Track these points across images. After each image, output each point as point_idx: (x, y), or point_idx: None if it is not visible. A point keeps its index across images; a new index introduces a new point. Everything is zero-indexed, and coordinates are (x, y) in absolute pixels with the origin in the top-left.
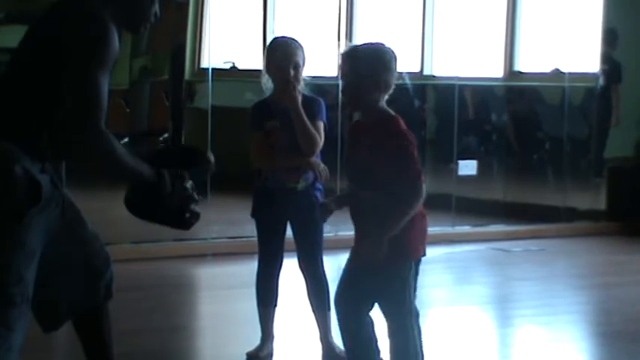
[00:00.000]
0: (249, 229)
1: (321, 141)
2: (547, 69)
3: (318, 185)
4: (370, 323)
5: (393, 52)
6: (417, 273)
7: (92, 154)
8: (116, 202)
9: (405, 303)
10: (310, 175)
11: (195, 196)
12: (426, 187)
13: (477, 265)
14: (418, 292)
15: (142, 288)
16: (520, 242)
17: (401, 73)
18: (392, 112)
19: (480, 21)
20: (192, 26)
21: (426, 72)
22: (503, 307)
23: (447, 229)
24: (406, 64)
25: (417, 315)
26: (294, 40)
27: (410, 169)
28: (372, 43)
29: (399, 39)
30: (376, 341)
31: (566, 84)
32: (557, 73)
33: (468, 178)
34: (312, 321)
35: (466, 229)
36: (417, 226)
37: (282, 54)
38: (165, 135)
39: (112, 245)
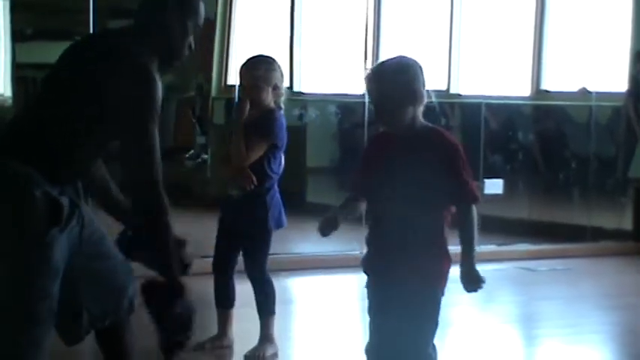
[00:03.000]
0: (275, 247)
1: (246, 156)
2: (574, 88)
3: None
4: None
5: (419, 63)
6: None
7: (151, 210)
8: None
9: (433, 327)
10: (247, 185)
11: (186, 336)
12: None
13: (502, 284)
14: (442, 311)
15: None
16: (546, 261)
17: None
18: (430, 124)
19: (506, 39)
20: (219, 43)
21: (452, 90)
22: (529, 326)
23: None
24: (433, 82)
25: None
26: (262, 58)
27: (473, 185)
28: (395, 57)
29: (425, 57)
30: None
31: (594, 103)
32: (584, 92)
33: (493, 197)
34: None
35: (491, 248)
36: (446, 258)
37: (243, 72)
38: (192, 151)
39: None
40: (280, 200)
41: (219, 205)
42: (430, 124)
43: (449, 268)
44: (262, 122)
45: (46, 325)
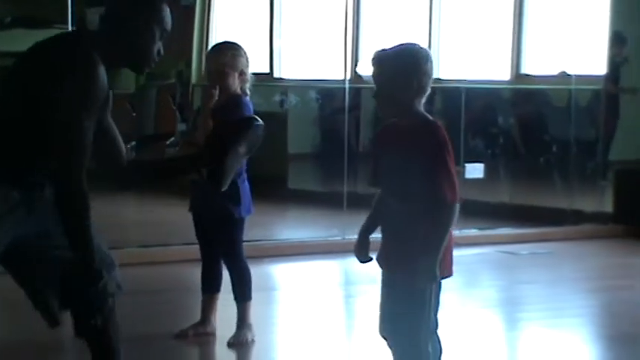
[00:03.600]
0: (257, 233)
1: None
2: (554, 71)
3: (240, 182)
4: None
5: (426, 52)
6: (439, 290)
7: (71, 206)
8: (123, 207)
9: (422, 321)
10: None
11: (100, 319)
12: None
13: (484, 268)
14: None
15: (150, 292)
16: (527, 245)
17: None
18: (430, 117)
19: (486, 24)
20: (198, 29)
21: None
22: (511, 310)
23: (454, 233)
24: None
25: (435, 332)
26: (228, 44)
27: (447, 187)
28: (403, 44)
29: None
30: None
31: (573, 86)
32: (563, 76)
33: (474, 181)
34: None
35: (473, 232)
36: (449, 248)
37: (209, 58)
38: (172, 139)
39: (119, 249)
40: (248, 185)
41: (189, 192)
42: (430, 117)
43: (441, 261)
44: (230, 107)
45: None
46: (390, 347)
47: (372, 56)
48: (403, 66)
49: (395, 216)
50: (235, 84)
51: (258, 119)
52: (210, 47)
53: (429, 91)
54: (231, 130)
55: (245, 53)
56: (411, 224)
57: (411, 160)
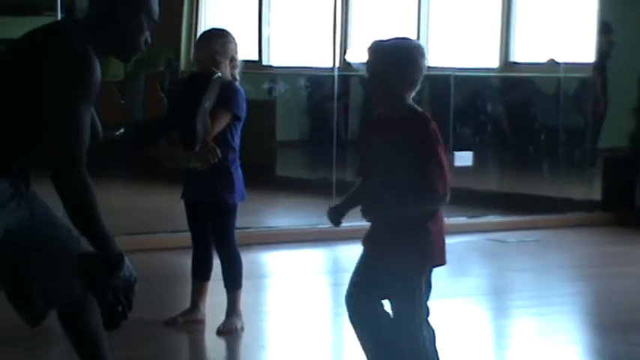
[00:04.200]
0: (245, 220)
1: (212, 126)
2: (542, 59)
3: (233, 169)
4: (384, 315)
5: (421, 48)
6: (430, 278)
7: (73, 193)
8: (110, 195)
9: (415, 306)
10: (209, 157)
11: (128, 307)
12: None
13: (473, 256)
14: None
15: (139, 280)
16: (515, 233)
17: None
18: (419, 109)
19: (475, 11)
20: (187, 17)
21: None
22: (499, 298)
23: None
24: None
25: (428, 313)
26: (217, 32)
27: (439, 180)
28: (399, 38)
29: (393, 30)
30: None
31: (562, 74)
32: (552, 64)
33: (463, 169)
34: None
35: (462, 220)
36: (439, 236)
37: (199, 46)
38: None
39: None
40: (241, 172)
41: (182, 178)
42: (419, 110)
43: (432, 249)
44: (222, 94)
45: None
46: (361, 336)
47: (369, 45)
48: (400, 59)
49: (387, 206)
50: (226, 71)
51: (216, 71)
52: (199, 35)
53: (419, 85)
54: (194, 88)
55: (234, 39)
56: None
57: (402, 152)
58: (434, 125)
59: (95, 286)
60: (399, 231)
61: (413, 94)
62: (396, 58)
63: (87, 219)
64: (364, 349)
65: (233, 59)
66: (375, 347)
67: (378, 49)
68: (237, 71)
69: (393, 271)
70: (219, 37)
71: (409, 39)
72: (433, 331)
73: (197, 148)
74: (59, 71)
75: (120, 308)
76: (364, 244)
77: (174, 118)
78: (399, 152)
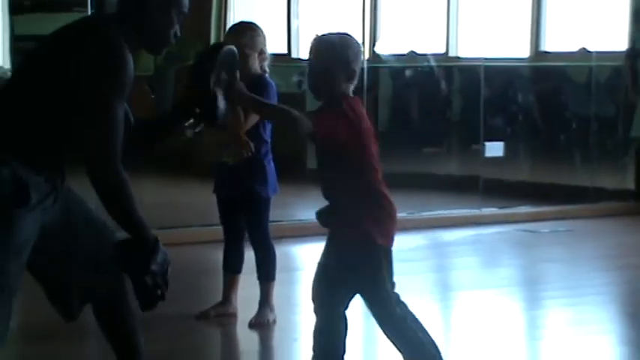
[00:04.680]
0: (277, 214)
1: (245, 120)
2: (574, 48)
3: (266, 162)
4: (344, 319)
5: (358, 44)
6: (390, 262)
7: (109, 188)
8: (143, 190)
9: (382, 291)
10: (242, 151)
11: (165, 287)
12: (453, 169)
13: (504, 246)
14: (445, 275)
15: (171, 273)
16: (547, 223)
17: (426, 55)
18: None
19: (505, 0)
20: (216, 11)
21: (451, 53)
22: (531, 289)
23: (475, 211)
24: (431, 45)
25: (399, 300)
26: (246, 25)
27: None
28: (340, 33)
29: (423, 20)
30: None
31: (593, 63)
32: (583, 53)
33: (494, 160)
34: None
35: (493, 210)
36: (379, 220)
37: (228, 40)
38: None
39: None
40: (273, 165)
41: (214, 173)
42: (352, 97)
43: (377, 226)
44: (255, 88)
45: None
46: (316, 310)
47: (311, 42)
48: (343, 55)
49: (329, 188)
50: (256, 64)
51: (228, 45)
52: (228, 28)
53: (355, 79)
54: (206, 62)
55: (262, 32)
56: (344, 193)
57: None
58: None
59: (134, 272)
60: (340, 208)
61: (352, 87)
62: (340, 51)
63: (123, 211)
64: None
65: (262, 52)
66: None
67: (322, 44)
68: (266, 64)
69: (354, 262)
70: (247, 30)
71: (348, 34)
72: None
73: (219, 120)
74: (93, 66)
75: (158, 291)
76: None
77: (193, 94)
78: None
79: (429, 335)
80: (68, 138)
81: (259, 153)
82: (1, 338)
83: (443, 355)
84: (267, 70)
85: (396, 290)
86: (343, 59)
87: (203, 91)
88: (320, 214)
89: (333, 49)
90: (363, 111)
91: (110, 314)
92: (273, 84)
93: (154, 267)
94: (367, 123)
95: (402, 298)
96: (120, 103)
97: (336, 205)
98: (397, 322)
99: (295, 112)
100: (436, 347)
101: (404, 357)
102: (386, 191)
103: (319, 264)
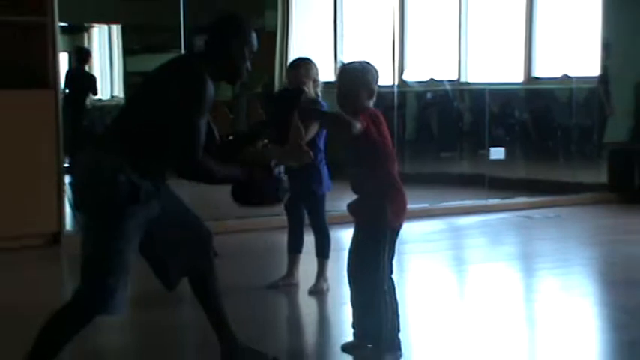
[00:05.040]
0: (328, 205)
1: (305, 134)
2: (558, 74)
3: (321, 166)
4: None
5: (374, 66)
6: (394, 241)
7: (197, 178)
8: (219, 187)
9: (372, 263)
10: (303, 158)
11: (283, 178)
12: (465, 169)
13: (507, 229)
14: (460, 251)
15: (245, 253)
16: (540, 211)
17: (442, 81)
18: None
19: (503, 37)
20: (279, 49)
21: (462, 79)
22: (528, 261)
23: (482, 202)
24: (447, 73)
25: (390, 277)
26: (302, 59)
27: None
28: (361, 61)
29: (440, 54)
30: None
31: (574, 85)
32: (565, 78)
33: (497, 162)
34: None
35: (497, 201)
36: (395, 201)
37: (288, 71)
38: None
39: (219, 221)
40: (327, 168)
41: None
42: (372, 108)
43: (392, 206)
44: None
45: (119, 273)
46: (350, 284)
47: (339, 68)
48: (365, 78)
49: (355, 179)
50: (310, 89)
51: (304, 88)
52: (289, 63)
53: (375, 96)
54: (287, 98)
55: (315, 66)
56: (368, 183)
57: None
58: (380, 114)
59: (267, 199)
60: (363, 196)
61: (372, 103)
62: (362, 75)
63: (215, 181)
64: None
65: (315, 80)
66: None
67: (346, 69)
68: (318, 89)
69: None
70: (304, 64)
71: (367, 62)
72: (394, 287)
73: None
74: (183, 94)
75: (279, 193)
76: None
77: (272, 121)
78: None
79: (397, 324)
80: (168, 149)
81: (316, 159)
82: (121, 306)
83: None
84: (320, 94)
85: (415, 268)
86: (364, 81)
87: (280, 120)
88: (349, 206)
89: (356, 74)
90: (382, 118)
91: (201, 284)
92: (325, 105)
93: (275, 183)
94: (385, 126)
95: (422, 272)
96: (200, 120)
97: (363, 195)
98: (375, 292)
99: (346, 116)
100: (398, 335)
101: (364, 323)
102: (399, 180)
103: (350, 250)
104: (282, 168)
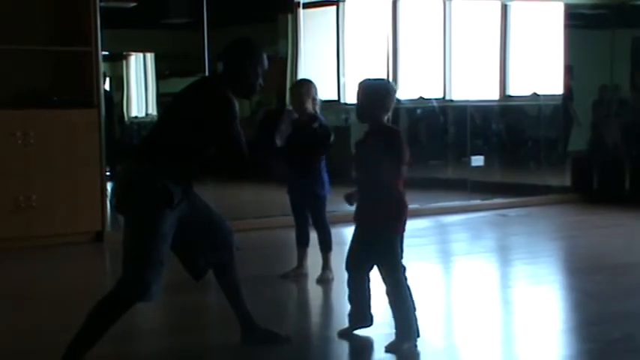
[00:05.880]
0: (333, 206)
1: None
2: (528, 93)
3: (322, 172)
4: (368, 281)
5: (392, 85)
6: (402, 242)
7: (246, 171)
8: (238, 191)
9: (395, 263)
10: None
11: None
12: (450, 174)
13: (485, 226)
14: (445, 245)
15: (260, 248)
16: (514, 210)
17: (430, 99)
18: (391, 125)
19: (481, 61)
20: (290, 73)
21: (447, 97)
22: (504, 254)
23: (464, 202)
24: (433, 92)
25: (404, 270)
26: (303, 80)
27: (400, 158)
28: (378, 79)
29: (428, 75)
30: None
31: (541, 102)
32: (534, 96)
33: (477, 168)
34: None
35: (477, 202)
36: (401, 211)
37: (291, 90)
38: None
39: (238, 220)
40: (327, 174)
41: (287, 180)
42: (391, 125)
43: (399, 216)
44: (311, 122)
45: (155, 266)
46: (354, 278)
47: (359, 85)
48: (381, 95)
49: (368, 188)
50: (310, 106)
51: (288, 108)
52: (292, 84)
53: (391, 110)
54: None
55: (314, 86)
56: (380, 191)
57: (382, 152)
58: (399, 134)
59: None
60: (374, 203)
61: (388, 115)
62: (379, 91)
63: (259, 170)
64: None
65: (314, 98)
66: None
67: (365, 87)
68: (317, 107)
69: (377, 240)
70: (305, 83)
71: (385, 79)
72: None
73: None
74: (214, 110)
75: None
76: (355, 219)
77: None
78: (378, 152)
79: (415, 313)
80: (197, 156)
81: (318, 166)
82: (157, 294)
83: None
84: (319, 110)
85: (409, 259)
86: (381, 96)
87: (269, 143)
88: (359, 214)
89: (373, 90)
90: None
91: (224, 273)
92: (324, 118)
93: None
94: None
95: (414, 263)
96: (235, 127)
97: (373, 205)
98: (400, 291)
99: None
100: (417, 323)
101: (395, 320)
102: (404, 193)
103: (350, 246)
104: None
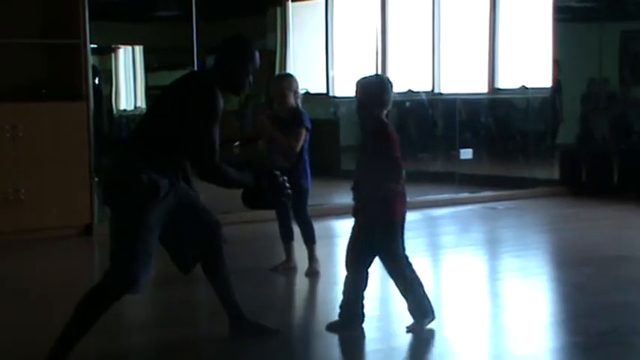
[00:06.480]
0: (320, 199)
1: (296, 142)
2: (517, 86)
3: (306, 165)
4: (367, 278)
5: (390, 81)
6: (402, 232)
7: (213, 180)
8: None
9: (396, 252)
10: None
11: (286, 186)
12: (438, 167)
13: (474, 219)
14: (434, 238)
15: (248, 241)
16: (502, 202)
17: (419, 92)
18: (386, 121)
19: (470, 54)
20: (279, 66)
21: (436, 90)
22: (492, 246)
23: (453, 195)
24: (423, 85)
25: (407, 258)
26: (285, 74)
27: (391, 158)
28: (376, 75)
29: (417, 68)
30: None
31: (530, 95)
32: (523, 89)
33: (466, 161)
34: None
35: (466, 194)
36: (399, 201)
37: (272, 84)
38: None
39: (226, 214)
40: (309, 168)
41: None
42: (386, 122)
43: (398, 206)
44: (293, 116)
45: (143, 258)
46: (353, 278)
47: (357, 82)
48: (379, 91)
49: (364, 179)
50: (292, 100)
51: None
52: (274, 76)
53: (390, 106)
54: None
55: (296, 79)
56: (371, 186)
57: (376, 149)
58: (392, 130)
59: (270, 202)
60: (371, 197)
61: (385, 111)
62: (376, 88)
63: (227, 184)
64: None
65: (296, 92)
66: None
67: (363, 83)
68: (299, 100)
69: (376, 232)
70: (287, 77)
71: (381, 75)
72: (412, 268)
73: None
74: (198, 104)
75: (282, 198)
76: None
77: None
78: (372, 149)
79: (425, 291)
80: (183, 153)
81: (301, 160)
82: (145, 287)
83: (433, 305)
84: (300, 104)
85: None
86: (378, 93)
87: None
88: (357, 209)
89: (371, 86)
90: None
91: (212, 267)
92: (306, 112)
93: (274, 188)
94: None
95: (410, 259)
96: (214, 127)
97: (369, 199)
98: (405, 277)
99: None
100: (429, 300)
101: (408, 304)
102: (402, 185)
103: (350, 237)
104: (285, 178)
